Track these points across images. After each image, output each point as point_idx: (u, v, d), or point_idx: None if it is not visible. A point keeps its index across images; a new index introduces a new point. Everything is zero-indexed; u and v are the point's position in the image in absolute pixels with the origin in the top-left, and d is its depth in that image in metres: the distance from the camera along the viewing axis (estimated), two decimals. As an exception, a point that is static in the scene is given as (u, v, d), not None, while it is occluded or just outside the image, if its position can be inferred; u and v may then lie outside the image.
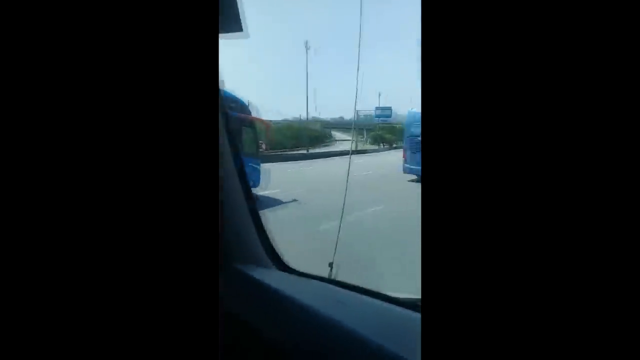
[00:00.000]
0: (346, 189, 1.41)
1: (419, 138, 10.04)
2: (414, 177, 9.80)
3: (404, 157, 10.59)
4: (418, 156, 9.88)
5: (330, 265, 1.29)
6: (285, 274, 1.01)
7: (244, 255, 0.98)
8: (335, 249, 1.32)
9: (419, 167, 9.69)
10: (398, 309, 0.72)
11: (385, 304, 0.75)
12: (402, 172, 10.05)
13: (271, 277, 0.94)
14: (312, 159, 16.65)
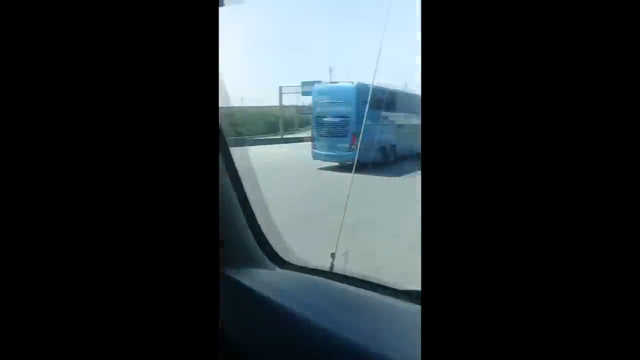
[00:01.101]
0: (352, 181, 1.38)
1: (327, 119, 9.34)
2: (327, 164, 9.14)
3: (312, 141, 9.70)
4: (327, 140, 9.24)
5: (333, 255, 1.29)
6: (282, 272, 1.01)
7: (238, 257, 0.97)
8: (338, 239, 1.31)
9: (329, 152, 9.17)
10: (400, 303, 0.75)
11: (386, 299, 0.77)
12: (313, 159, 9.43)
13: (265, 279, 0.94)
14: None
